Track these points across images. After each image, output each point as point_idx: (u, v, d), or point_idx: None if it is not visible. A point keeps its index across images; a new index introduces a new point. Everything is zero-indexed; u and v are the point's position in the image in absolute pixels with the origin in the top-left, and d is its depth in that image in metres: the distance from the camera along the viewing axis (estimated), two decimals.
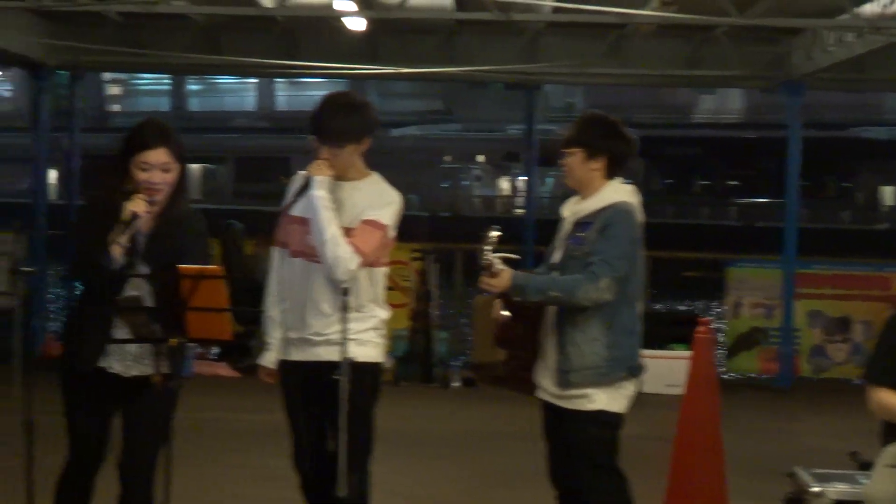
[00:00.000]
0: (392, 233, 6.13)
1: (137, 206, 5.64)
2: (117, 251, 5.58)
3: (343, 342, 5.74)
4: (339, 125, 6.02)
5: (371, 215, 6.03)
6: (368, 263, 6.03)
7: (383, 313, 6.19)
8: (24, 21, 15.52)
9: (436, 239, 16.07)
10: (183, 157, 5.88)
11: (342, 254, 5.88)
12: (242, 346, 13.18)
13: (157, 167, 5.75)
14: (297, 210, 6.14)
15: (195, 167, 62.26)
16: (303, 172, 6.15)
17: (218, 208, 42.53)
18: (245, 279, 13.42)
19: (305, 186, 6.06)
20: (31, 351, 14.46)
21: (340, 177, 6.07)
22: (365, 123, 6.11)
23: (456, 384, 14.90)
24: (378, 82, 59.84)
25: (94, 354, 5.71)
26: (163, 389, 5.60)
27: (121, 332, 5.64)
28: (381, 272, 6.20)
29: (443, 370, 15.17)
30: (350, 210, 6.03)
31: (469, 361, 16.45)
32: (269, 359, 6.24)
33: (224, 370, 14.70)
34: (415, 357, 15.12)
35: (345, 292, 5.75)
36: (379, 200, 6.10)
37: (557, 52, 16.33)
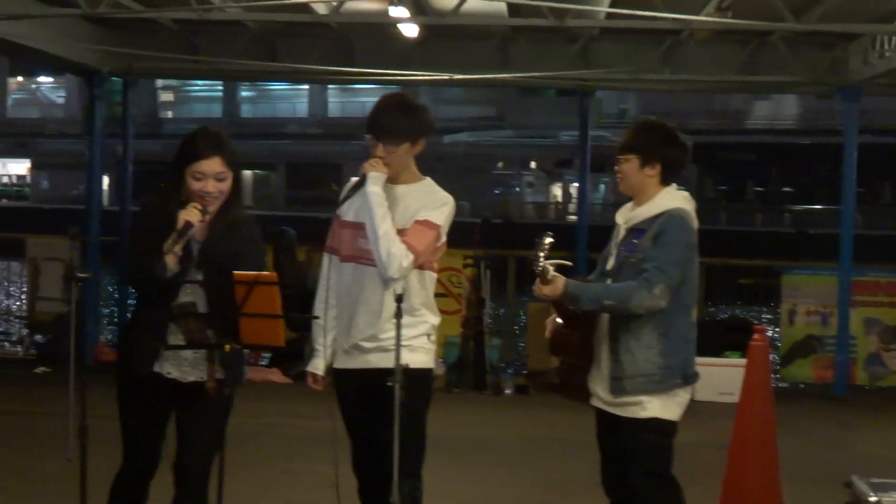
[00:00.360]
0: (444, 235, 6.16)
1: (191, 215, 5.69)
2: (171, 260, 5.62)
3: (395, 348, 5.75)
4: (397, 123, 6.06)
5: (424, 216, 6.05)
6: (420, 264, 6.05)
7: (434, 318, 6.20)
8: (78, 28, 15.64)
9: (488, 245, 16.02)
10: (237, 165, 5.90)
11: (395, 251, 5.89)
12: (294, 353, 13.22)
13: (210, 176, 5.77)
14: (349, 215, 6.16)
15: (247, 173, 62.54)
16: (355, 178, 6.17)
17: (270, 214, 42.75)
18: (298, 286, 13.47)
19: (357, 188, 6.08)
20: (84, 356, 14.60)
21: (394, 179, 6.10)
22: (421, 124, 6.15)
23: (509, 391, 14.89)
24: (430, 89, 59.88)
25: (150, 359, 5.74)
26: (217, 395, 5.64)
27: (175, 337, 5.67)
28: (432, 276, 6.22)
29: (495, 377, 15.16)
30: (403, 212, 6.05)
31: (522, 369, 16.45)
32: (318, 365, 6.26)
33: (275, 376, 14.76)
34: (467, 364, 15.11)
35: (398, 299, 5.75)
36: (432, 202, 6.11)
37: (611, 58, 16.29)
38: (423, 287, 6.14)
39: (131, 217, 16.23)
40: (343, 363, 6.16)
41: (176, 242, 5.61)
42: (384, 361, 5.88)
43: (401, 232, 5.97)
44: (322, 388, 6.27)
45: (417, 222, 6.02)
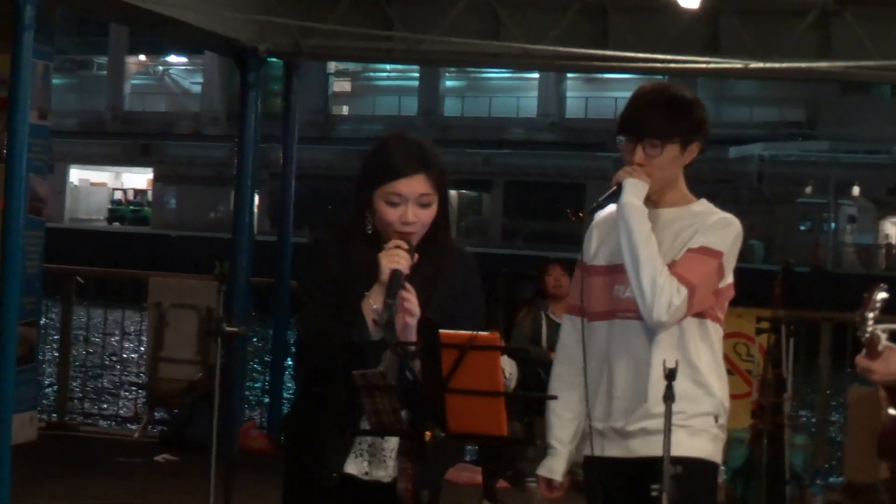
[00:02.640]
0: (730, 272, 6.16)
1: (398, 260, 5.69)
2: (373, 323, 5.63)
3: (664, 432, 5.77)
4: (661, 118, 6.14)
5: (700, 241, 6.08)
6: (701, 311, 6.08)
7: (723, 392, 6.18)
8: None
9: (791, 304, 15.90)
10: (445, 186, 5.93)
11: (662, 282, 5.92)
12: (516, 446, 13.28)
13: (411, 200, 5.79)
14: (599, 258, 6.26)
15: (451, 194, 63.19)
16: (604, 214, 6.23)
17: (483, 252, 43.02)
18: (528, 352, 13.50)
19: (604, 203, 6.16)
20: (229, 442, 14.82)
21: (657, 199, 6.21)
22: (695, 121, 6.22)
23: None
24: (712, 82, 59.71)
25: (340, 456, 5.79)
26: (412, 501, 5.61)
27: (361, 420, 5.62)
28: (718, 330, 6.22)
29: (799, 490, 15.04)
30: (671, 242, 6.12)
31: (837, 479, 16.29)
32: (554, 468, 6.33)
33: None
34: (759, 470, 15.02)
35: (670, 375, 5.69)
36: (708, 224, 6.15)
37: None
38: (707, 344, 6.15)
39: (293, 251, 16.36)
40: (595, 450, 6.20)
41: (389, 304, 5.57)
42: (651, 449, 5.93)
43: (668, 266, 6.00)
44: (558, 496, 6.31)
45: (690, 250, 6.05)
